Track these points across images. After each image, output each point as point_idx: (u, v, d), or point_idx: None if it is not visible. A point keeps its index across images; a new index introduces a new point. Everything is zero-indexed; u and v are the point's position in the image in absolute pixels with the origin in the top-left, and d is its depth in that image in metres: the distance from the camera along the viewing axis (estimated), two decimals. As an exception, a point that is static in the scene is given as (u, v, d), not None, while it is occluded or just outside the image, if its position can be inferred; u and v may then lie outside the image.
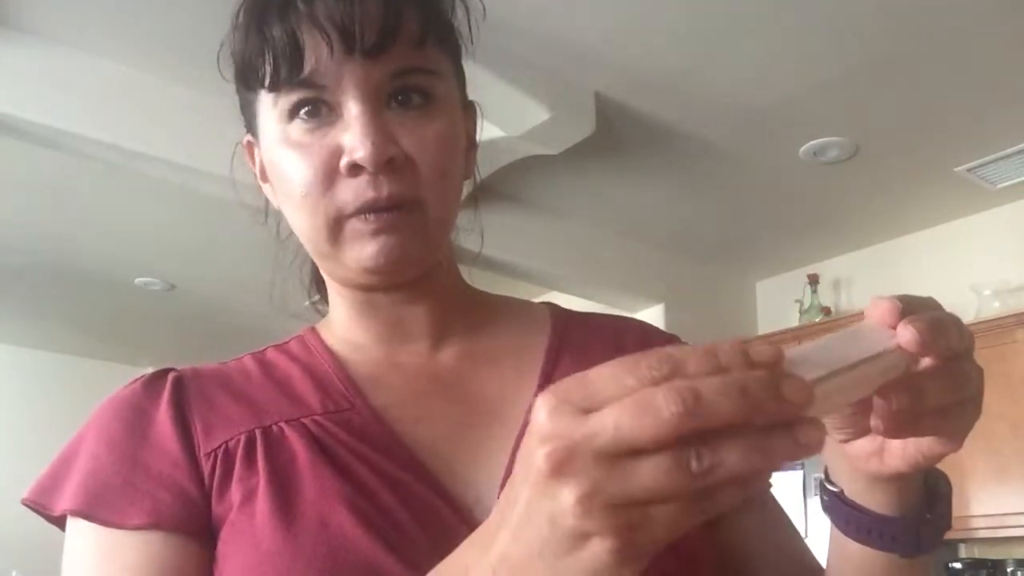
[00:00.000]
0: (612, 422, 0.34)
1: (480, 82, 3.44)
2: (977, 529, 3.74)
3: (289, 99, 0.62)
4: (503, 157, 3.66)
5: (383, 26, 0.61)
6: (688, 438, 0.33)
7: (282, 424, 0.63)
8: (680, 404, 0.33)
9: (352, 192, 0.61)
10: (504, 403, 0.66)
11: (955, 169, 3.85)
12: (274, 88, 0.62)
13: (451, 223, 0.70)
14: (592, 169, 3.88)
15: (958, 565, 3.79)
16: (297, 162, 0.62)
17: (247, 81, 0.64)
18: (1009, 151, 3.68)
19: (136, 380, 0.68)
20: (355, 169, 0.61)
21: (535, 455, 0.35)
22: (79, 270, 5.01)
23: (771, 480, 0.73)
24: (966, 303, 4.10)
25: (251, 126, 0.69)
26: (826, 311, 4.57)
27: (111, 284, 5.25)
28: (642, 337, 0.76)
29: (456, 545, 0.52)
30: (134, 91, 3.17)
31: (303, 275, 0.79)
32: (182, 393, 0.66)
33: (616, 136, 3.56)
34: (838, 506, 0.55)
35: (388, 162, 0.60)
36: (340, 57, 0.60)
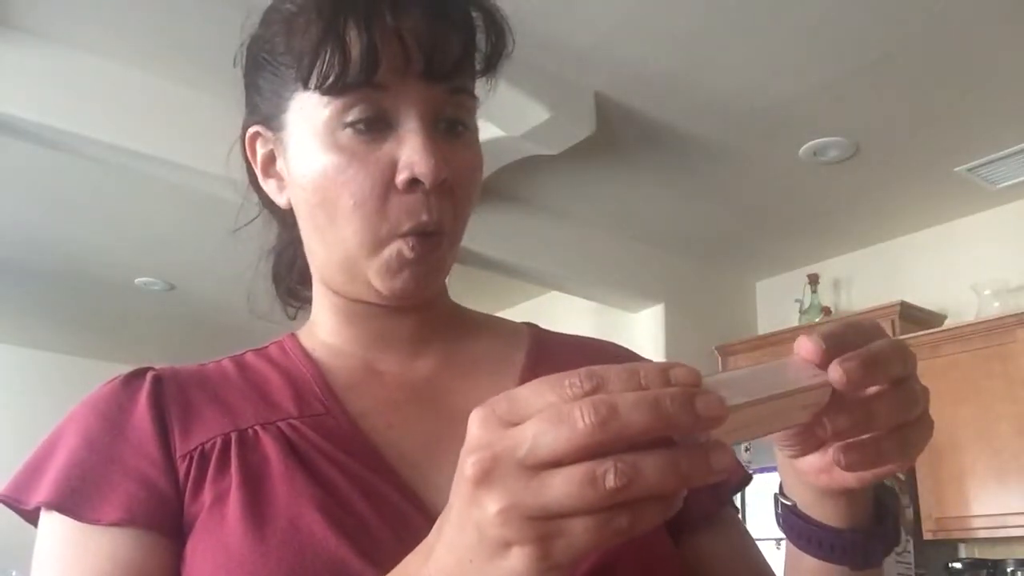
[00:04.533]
0: (531, 433, 0.35)
1: (480, 82, 3.41)
2: (977, 529, 3.74)
3: (348, 105, 0.61)
4: (503, 157, 3.66)
5: (459, 57, 0.63)
6: (607, 453, 0.34)
7: (257, 427, 0.63)
8: (595, 415, 0.34)
9: (407, 211, 0.61)
10: None
11: (955, 169, 3.85)
12: (334, 92, 0.60)
13: (457, 254, 0.69)
14: (592, 169, 3.88)
15: (958, 565, 3.79)
16: (350, 170, 0.61)
17: (303, 78, 0.62)
18: (1009, 151, 3.68)
19: (115, 378, 0.67)
20: (413, 184, 0.60)
21: (464, 465, 0.37)
22: (79, 270, 5.01)
23: (737, 505, 0.72)
24: (966, 303, 4.10)
25: (268, 118, 0.67)
26: (826, 311, 4.57)
27: (111, 284, 5.25)
28: (618, 360, 0.75)
29: None
30: (134, 91, 3.17)
31: (289, 279, 0.78)
32: (161, 393, 0.65)
33: (616, 136, 3.56)
34: (791, 519, 0.56)
35: (442, 183, 0.61)
36: (411, 74, 0.61)
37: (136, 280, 5.22)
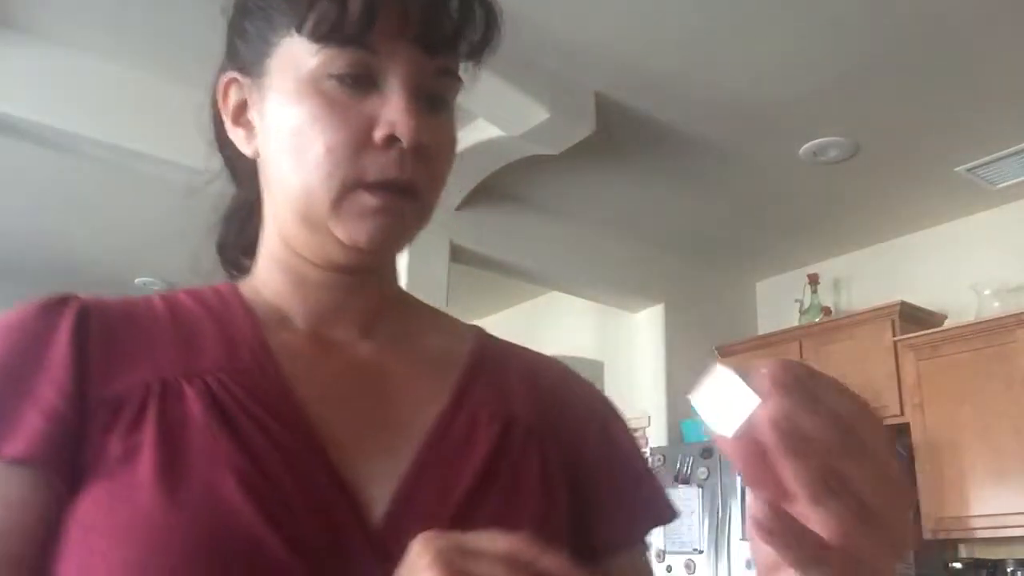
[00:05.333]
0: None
1: (480, 82, 3.41)
2: (977, 529, 3.74)
3: (341, 56, 0.61)
4: (503, 157, 3.66)
5: (452, 35, 0.63)
6: None
7: (181, 379, 0.59)
8: None
9: (377, 164, 0.61)
10: (413, 410, 0.65)
11: (955, 169, 3.85)
12: (326, 41, 0.60)
13: (426, 225, 0.68)
14: (592, 169, 3.88)
15: (958, 565, 3.79)
16: (328, 117, 0.61)
17: (297, 23, 0.61)
18: (1009, 151, 3.68)
19: (31, 303, 0.63)
20: (390, 142, 0.60)
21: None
22: (79, 270, 5.01)
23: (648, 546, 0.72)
24: (966, 303, 4.10)
25: (249, 64, 0.66)
26: (826, 311, 4.57)
27: (111, 284, 5.24)
28: (561, 380, 0.75)
29: (345, 541, 0.53)
30: (134, 91, 3.17)
31: (236, 248, 0.75)
32: (85, 326, 0.61)
33: (616, 136, 3.56)
34: None
35: (420, 147, 0.61)
36: (404, 39, 0.61)
37: (136, 280, 5.22)
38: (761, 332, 4.93)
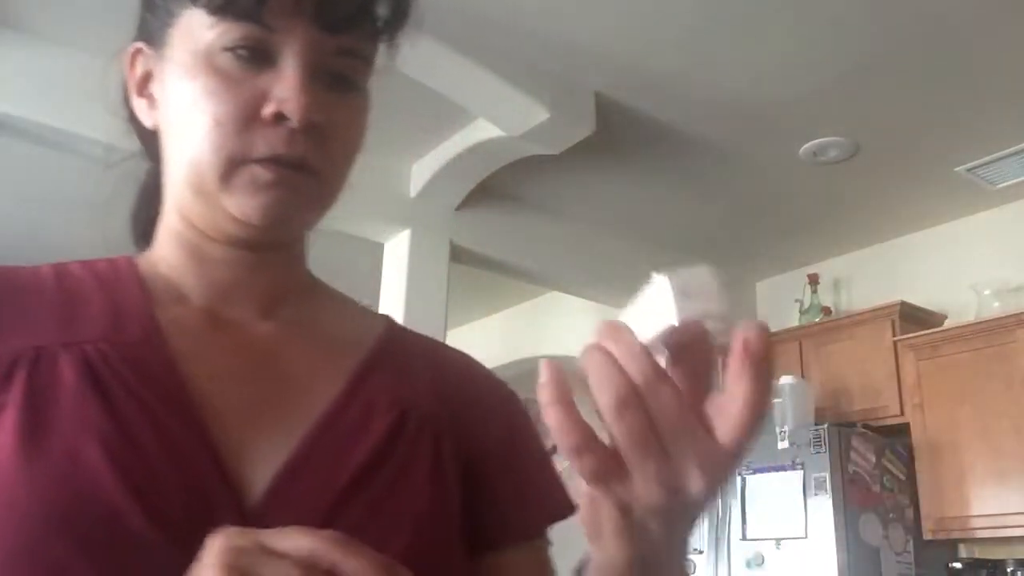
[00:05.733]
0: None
1: (480, 82, 3.46)
2: (977, 529, 3.74)
3: (235, 31, 0.60)
4: (503, 157, 3.66)
5: (352, 14, 0.62)
6: None
7: (59, 347, 0.58)
8: None
9: (266, 140, 0.60)
10: (307, 393, 0.63)
11: (955, 169, 3.85)
12: (223, 13, 0.60)
13: (331, 207, 0.67)
14: (592, 169, 3.88)
15: (958, 565, 3.79)
16: (219, 91, 0.60)
17: None
18: (1009, 151, 3.68)
19: None
20: (278, 119, 0.59)
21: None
22: (79, 270, 5.01)
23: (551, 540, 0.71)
24: (966, 303, 4.10)
25: (154, 35, 0.66)
26: (826, 311, 4.57)
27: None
28: (467, 372, 0.74)
29: (216, 519, 0.51)
30: (134, 91, 3.16)
31: (146, 221, 0.74)
32: None
33: (616, 136, 3.56)
34: None
35: (312, 126, 0.60)
36: (301, 17, 0.60)
37: (136, 280, 5.22)
38: (761, 332, 4.92)
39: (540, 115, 3.25)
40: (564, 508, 0.71)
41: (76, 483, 0.52)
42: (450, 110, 3.38)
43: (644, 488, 0.43)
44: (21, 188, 4.07)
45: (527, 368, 5.90)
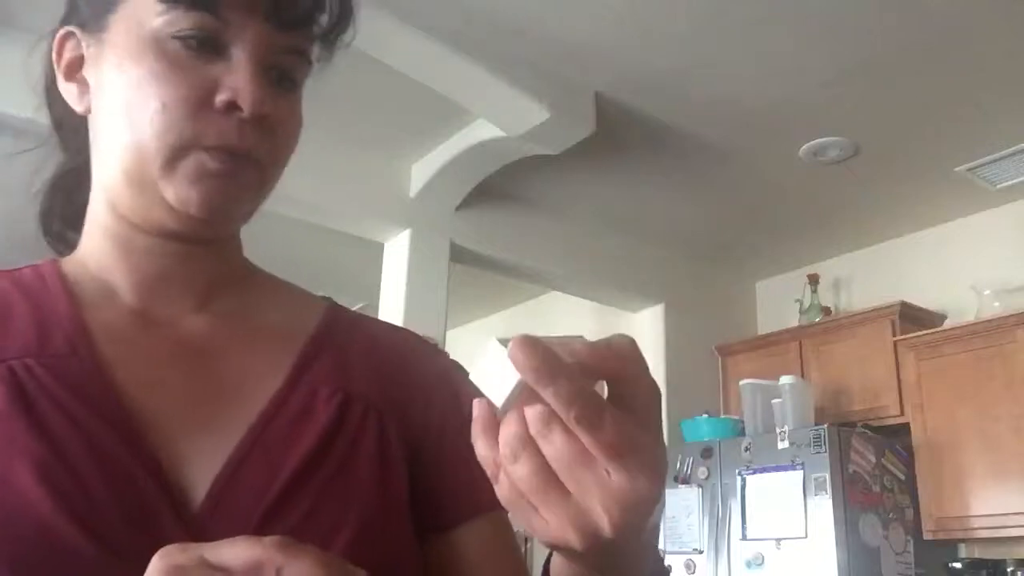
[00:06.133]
0: None
1: (480, 82, 3.46)
2: (977, 529, 3.74)
3: (186, 19, 0.59)
4: (503, 157, 3.66)
5: (305, 15, 0.62)
6: None
7: None
8: None
9: (217, 128, 0.59)
10: (246, 386, 0.62)
11: (955, 169, 3.85)
12: (174, 2, 0.59)
13: (264, 201, 0.66)
14: (592, 169, 3.88)
15: (958, 565, 3.79)
16: (168, 75, 0.59)
17: None
18: (1009, 151, 3.68)
19: None
20: (230, 108, 0.59)
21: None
22: (79, 270, 5.01)
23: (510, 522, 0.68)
24: (966, 303, 4.10)
25: (89, 20, 0.64)
26: (826, 311, 4.57)
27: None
28: (409, 351, 0.73)
29: (157, 531, 0.51)
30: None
31: (62, 217, 0.71)
32: None
33: (616, 136, 3.56)
34: None
35: (261, 118, 0.59)
36: (255, 13, 0.60)
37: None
38: (761, 332, 4.93)
39: (540, 115, 3.25)
40: None
41: (7, 506, 0.51)
42: (450, 110, 3.38)
43: (557, 529, 0.42)
44: (22, 188, 4.07)
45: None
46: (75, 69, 0.65)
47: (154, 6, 0.59)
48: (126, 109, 0.60)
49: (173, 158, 0.59)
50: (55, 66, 0.67)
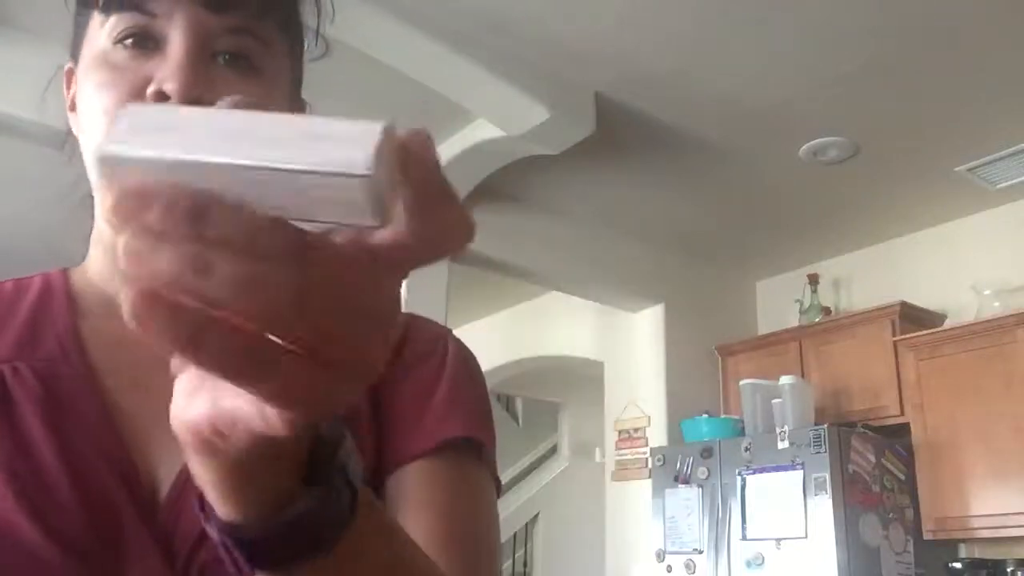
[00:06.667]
0: None
1: (480, 82, 3.46)
2: (977, 529, 3.74)
3: (120, 22, 0.60)
4: (503, 157, 3.66)
5: None
6: None
7: None
8: None
9: None
10: None
11: (955, 169, 3.85)
12: (107, 8, 0.61)
13: None
14: (592, 169, 3.88)
15: (958, 565, 3.79)
16: (108, 82, 0.60)
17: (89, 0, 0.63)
18: (1009, 151, 3.68)
19: None
20: (160, 98, 0.59)
21: None
22: (79, 270, 5.01)
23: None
24: (966, 303, 4.10)
25: (76, 53, 0.67)
26: (826, 311, 4.57)
27: (111, 284, 5.25)
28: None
29: (123, 534, 0.50)
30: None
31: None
32: None
33: (616, 136, 3.56)
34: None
35: (194, 101, 0.58)
36: (180, 2, 0.60)
37: (136, 280, 5.22)
38: (761, 332, 4.93)
39: (540, 115, 3.25)
40: (468, 423, 0.65)
41: None
42: (450, 110, 3.38)
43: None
44: (22, 188, 4.07)
45: (527, 368, 5.91)
46: (74, 100, 0.67)
47: (99, 20, 0.61)
48: (86, 125, 0.62)
49: None
50: (67, 101, 0.69)
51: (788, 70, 3.15)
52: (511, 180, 3.92)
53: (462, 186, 3.90)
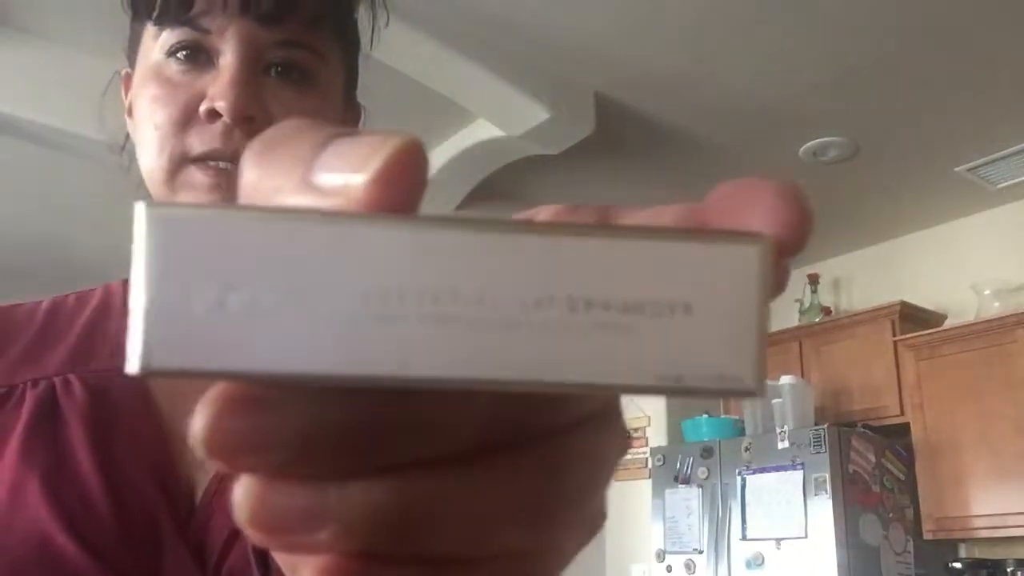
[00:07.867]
0: None
1: (480, 82, 3.46)
2: (977, 529, 3.74)
3: (172, 36, 0.61)
4: (503, 157, 3.66)
5: (284, 1, 0.61)
6: None
7: (27, 384, 0.59)
8: None
9: (201, 138, 0.59)
10: None
11: (955, 169, 3.85)
12: (160, 22, 0.61)
13: None
14: (592, 169, 3.88)
15: (958, 565, 3.79)
16: (162, 97, 0.61)
17: (137, 10, 0.64)
18: (1009, 151, 3.68)
19: None
20: (212, 116, 0.59)
21: None
22: (80, 271, 5.01)
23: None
24: (966, 303, 4.10)
25: (132, 59, 0.68)
26: (826, 311, 4.57)
27: (111, 284, 5.24)
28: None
29: (155, 545, 0.52)
30: (134, 91, 3.17)
31: None
32: None
33: (616, 136, 3.56)
34: None
35: (247, 119, 0.59)
36: (232, 13, 0.60)
37: (136, 280, 5.22)
38: (761, 332, 4.92)
39: (540, 115, 3.25)
40: None
41: (13, 517, 0.53)
42: (450, 110, 3.38)
43: None
44: (22, 188, 4.07)
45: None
46: (132, 106, 0.68)
47: (153, 32, 0.62)
48: (140, 136, 0.63)
49: (169, 176, 0.60)
50: (125, 104, 0.70)
51: (788, 70, 3.15)
52: (511, 180, 3.92)
53: (462, 186, 3.90)
